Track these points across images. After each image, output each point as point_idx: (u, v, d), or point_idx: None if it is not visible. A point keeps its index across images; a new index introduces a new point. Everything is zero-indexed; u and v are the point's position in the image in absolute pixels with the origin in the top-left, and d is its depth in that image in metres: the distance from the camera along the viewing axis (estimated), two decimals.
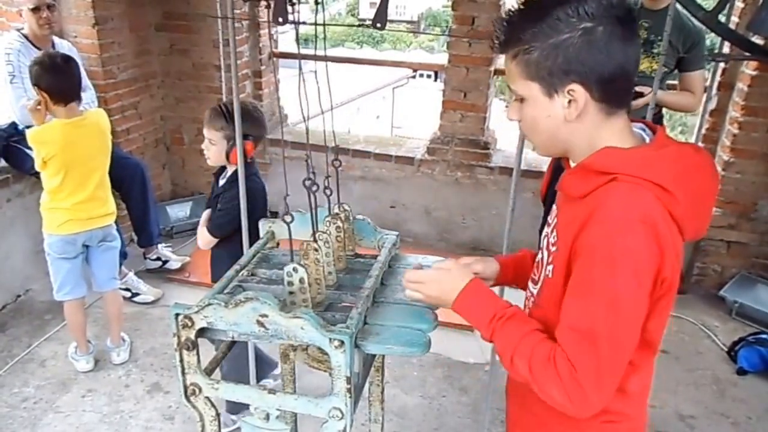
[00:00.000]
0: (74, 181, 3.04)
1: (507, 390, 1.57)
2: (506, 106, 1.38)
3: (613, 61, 1.18)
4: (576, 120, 1.22)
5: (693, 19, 3.23)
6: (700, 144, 3.92)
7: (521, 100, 1.27)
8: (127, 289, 3.94)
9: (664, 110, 3.63)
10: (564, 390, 1.16)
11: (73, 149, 3.01)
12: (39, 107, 2.96)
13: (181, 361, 1.47)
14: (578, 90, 1.19)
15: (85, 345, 3.38)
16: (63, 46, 3.90)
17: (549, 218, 1.38)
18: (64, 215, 3.07)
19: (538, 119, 1.26)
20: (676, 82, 3.53)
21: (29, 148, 3.14)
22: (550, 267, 1.31)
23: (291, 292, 1.53)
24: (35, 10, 3.67)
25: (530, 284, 1.46)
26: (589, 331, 1.15)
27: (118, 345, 3.46)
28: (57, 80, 2.95)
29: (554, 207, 1.39)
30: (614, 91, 1.21)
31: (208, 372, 1.53)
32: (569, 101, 1.20)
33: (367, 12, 42.63)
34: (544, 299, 1.35)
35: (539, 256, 1.41)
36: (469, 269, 1.43)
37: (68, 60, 3.09)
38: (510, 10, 1.25)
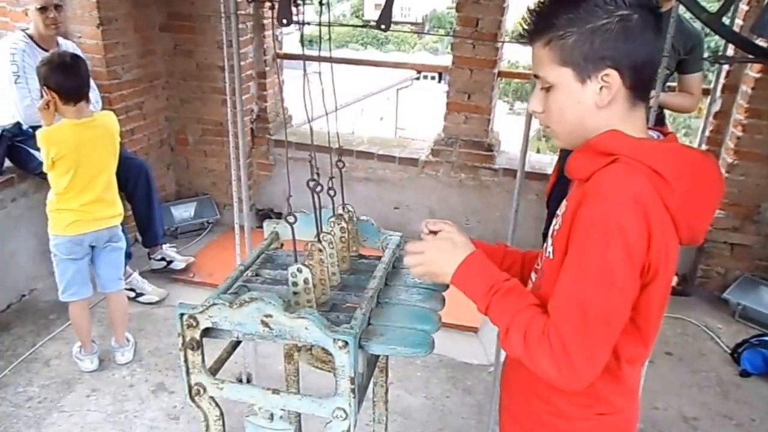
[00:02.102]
0: (82, 182, 3.04)
1: (502, 381, 1.58)
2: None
3: (645, 50, 1.22)
4: (605, 107, 1.24)
5: (692, 22, 3.25)
6: (704, 146, 3.92)
7: (548, 89, 1.29)
8: (132, 290, 3.95)
9: (666, 113, 3.65)
10: (554, 361, 1.18)
11: (83, 150, 3.01)
12: (48, 107, 2.95)
13: (186, 360, 1.48)
14: (613, 75, 1.21)
15: (89, 345, 3.39)
16: (67, 47, 3.90)
17: (558, 211, 1.38)
18: (70, 216, 3.07)
19: (565, 107, 1.28)
20: (673, 84, 3.55)
21: (34, 148, 3.15)
22: (551, 248, 1.33)
23: (295, 293, 1.54)
24: (42, 9, 3.68)
25: (532, 274, 1.49)
26: (580, 302, 1.17)
27: (123, 345, 3.46)
28: (66, 79, 2.94)
29: (563, 202, 1.39)
30: (642, 80, 1.25)
31: (213, 372, 1.54)
32: (601, 87, 1.23)
33: (372, 13, 42.62)
34: (544, 281, 1.36)
35: (544, 245, 1.42)
36: (468, 240, 1.43)
37: (77, 58, 3.10)
38: (540, 0, 1.27)
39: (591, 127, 1.27)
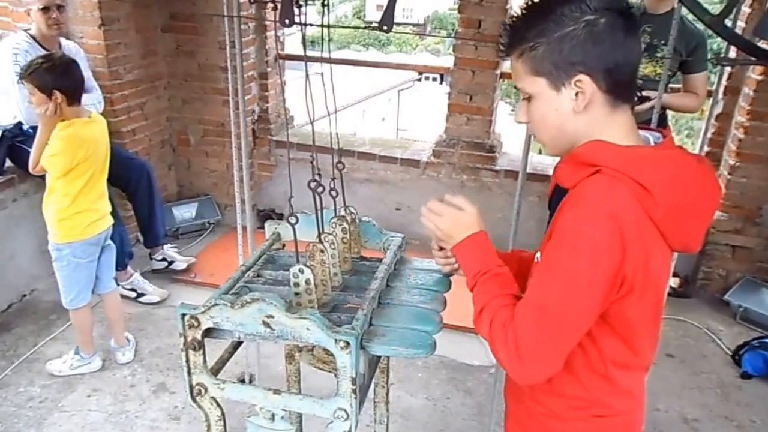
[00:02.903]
0: (93, 179, 3.04)
1: (505, 387, 1.58)
2: (512, 110, 1.41)
3: (617, 52, 1.21)
4: (584, 112, 1.25)
5: (694, 22, 3.25)
6: (705, 148, 3.92)
7: (529, 99, 1.30)
8: (133, 290, 3.95)
9: (669, 113, 3.64)
10: (506, 355, 1.24)
11: (97, 147, 3.03)
12: (55, 112, 2.90)
13: (187, 361, 1.48)
14: (585, 80, 1.22)
15: (92, 345, 3.38)
16: (69, 47, 3.90)
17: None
18: (89, 216, 3.05)
19: (546, 115, 1.29)
20: (677, 85, 3.55)
21: None
22: (539, 254, 1.35)
23: (297, 293, 1.54)
24: (45, 10, 3.67)
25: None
26: (540, 305, 1.22)
27: (123, 345, 3.46)
28: (72, 80, 2.94)
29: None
30: (618, 83, 1.24)
31: (214, 372, 1.54)
32: (576, 93, 1.23)
33: (374, 14, 42.65)
34: None
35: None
36: (481, 221, 1.48)
37: (71, 57, 3.10)
38: (513, 15, 1.29)
39: (572, 132, 1.28)
